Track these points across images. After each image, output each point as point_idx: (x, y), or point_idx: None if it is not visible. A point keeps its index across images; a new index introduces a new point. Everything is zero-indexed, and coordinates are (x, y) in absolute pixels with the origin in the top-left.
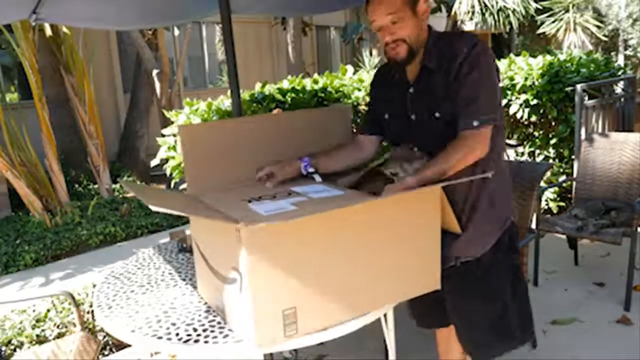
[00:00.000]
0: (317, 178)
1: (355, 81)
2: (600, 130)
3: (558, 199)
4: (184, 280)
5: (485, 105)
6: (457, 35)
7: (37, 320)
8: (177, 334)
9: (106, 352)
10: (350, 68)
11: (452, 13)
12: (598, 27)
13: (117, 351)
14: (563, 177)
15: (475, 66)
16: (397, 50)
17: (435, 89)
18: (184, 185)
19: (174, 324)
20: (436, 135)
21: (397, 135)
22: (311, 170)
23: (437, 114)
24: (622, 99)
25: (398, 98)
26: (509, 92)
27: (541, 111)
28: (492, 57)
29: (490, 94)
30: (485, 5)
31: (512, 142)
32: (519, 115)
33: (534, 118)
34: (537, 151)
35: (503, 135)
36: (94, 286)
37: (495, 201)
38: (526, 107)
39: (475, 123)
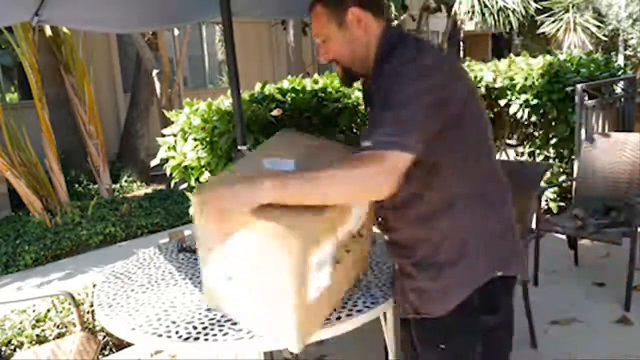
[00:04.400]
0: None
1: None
2: (600, 130)
3: (558, 199)
4: (184, 279)
5: (392, 124)
6: (400, 47)
7: (37, 320)
8: (177, 332)
9: (106, 352)
10: None
11: (452, 13)
12: (598, 27)
13: (117, 351)
14: (563, 177)
15: (395, 82)
16: (337, 69)
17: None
18: (184, 185)
19: (174, 322)
20: None
21: None
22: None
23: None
24: (622, 99)
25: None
26: (509, 92)
27: (541, 111)
28: (429, 75)
29: (408, 112)
30: (485, 5)
31: (512, 142)
32: (519, 115)
33: (534, 118)
34: (537, 151)
35: (475, 173)
36: (94, 286)
37: (465, 253)
38: (526, 107)
39: (366, 143)
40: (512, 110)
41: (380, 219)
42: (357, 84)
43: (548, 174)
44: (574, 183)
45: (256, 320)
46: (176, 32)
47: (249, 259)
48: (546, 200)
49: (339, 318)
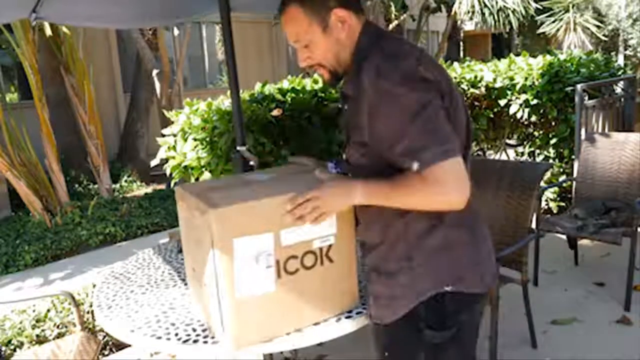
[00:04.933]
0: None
1: None
2: (600, 130)
3: (558, 199)
4: (183, 280)
5: (418, 139)
6: (374, 49)
7: (37, 320)
8: (177, 334)
9: (106, 352)
10: None
11: (452, 13)
12: (598, 27)
13: (117, 351)
14: (563, 177)
15: (383, 99)
16: (320, 72)
17: (350, 118)
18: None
19: (173, 324)
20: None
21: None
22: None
23: (347, 152)
24: (622, 99)
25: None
26: (509, 92)
27: (541, 111)
28: (421, 74)
29: (420, 124)
30: (485, 5)
31: (512, 142)
32: (519, 115)
33: (534, 118)
34: (537, 151)
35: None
36: (94, 286)
37: (411, 262)
38: (526, 107)
39: (415, 166)
40: (512, 110)
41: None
42: None
43: (548, 174)
44: (574, 183)
45: (206, 314)
46: (176, 32)
47: (197, 244)
48: (546, 200)
49: (338, 319)
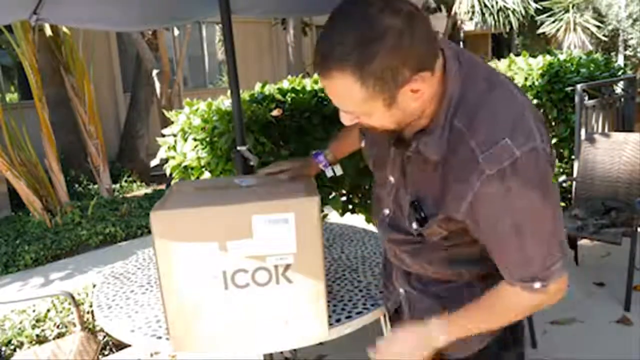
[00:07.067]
0: (338, 171)
1: None
2: (600, 130)
3: None
4: None
5: (542, 258)
6: (490, 121)
7: (37, 320)
8: None
9: (106, 352)
10: None
11: (452, 13)
12: (598, 27)
13: (117, 351)
14: (563, 177)
15: (507, 208)
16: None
17: (430, 187)
18: None
19: None
20: (408, 243)
21: (375, 188)
22: (326, 165)
23: (414, 225)
24: (622, 99)
25: (380, 137)
26: None
27: (541, 111)
28: (542, 170)
29: (547, 237)
30: (485, 5)
31: None
32: None
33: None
34: None
35: None
36: (94, 286)
37: None
38: None
39: (536, 285)
40: None
41: (392, 252)
42: None
43: None
44: (574, 183)
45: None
46: (176, 32)
47: None
48: None
49: (338, 320)
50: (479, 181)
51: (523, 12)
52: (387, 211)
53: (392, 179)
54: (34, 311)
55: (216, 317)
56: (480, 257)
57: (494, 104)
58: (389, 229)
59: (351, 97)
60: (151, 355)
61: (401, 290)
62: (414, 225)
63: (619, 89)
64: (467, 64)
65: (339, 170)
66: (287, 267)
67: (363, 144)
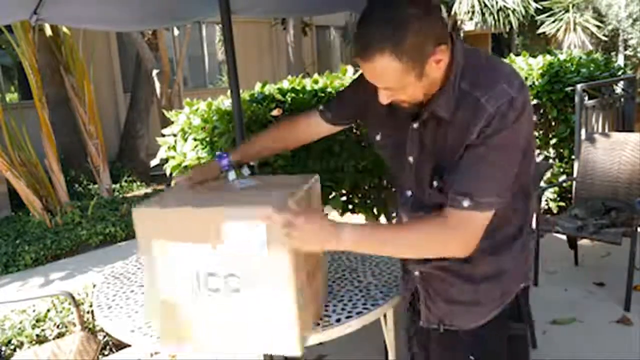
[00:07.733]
0: (245, 172)
1: None
2: (600, 130)
3: (558, 199)
4: None
5: (489, 185)
6: (489, 76)
7: (37, 320)
8: None
9: (106, 352)
10: (350, 68)
11: (452, 13)
12: (598, 27)
13: (117, 351)
14: (563, 177)
15: (494, 135)
16: (401, 103)
17: (444, 146)
18: None
19: None
20: (433, 204)
21: (394, 176)
22: (227, 167)
23: (435, 183)
24: (622, 99)
25: (396, 125)
26: None
27: (541, 111)
28: (525, 118)
29: (502, 174)
30: (485, 5)
31: None
32: None
33: (534, 118)
34: (537, 151)
35: (530, 205)
36: (94, 286)
37: (503, 274)
38: None
39: (465, 203)
40: None
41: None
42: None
43: (548, 174)
44: (574, 183)
45: None
46: (176, 32)
47: None
48: (546, 200)
49: (338, 320)
50: (483, 118)
51: (523, 12)
52: (409, 192)
53: (411, 158)
54: (34, 311)
55: (190, 318)
56: (493, 228)
57: (492, 65)
58: (412, 209)
59: (390, 74)
60: (151, 355)
61: (416, 273)
62: (435, 183)
63: (619, 89)
64: (473, 50)
65: (246, 172)
66: (257, 274)
67: (378, 138)
